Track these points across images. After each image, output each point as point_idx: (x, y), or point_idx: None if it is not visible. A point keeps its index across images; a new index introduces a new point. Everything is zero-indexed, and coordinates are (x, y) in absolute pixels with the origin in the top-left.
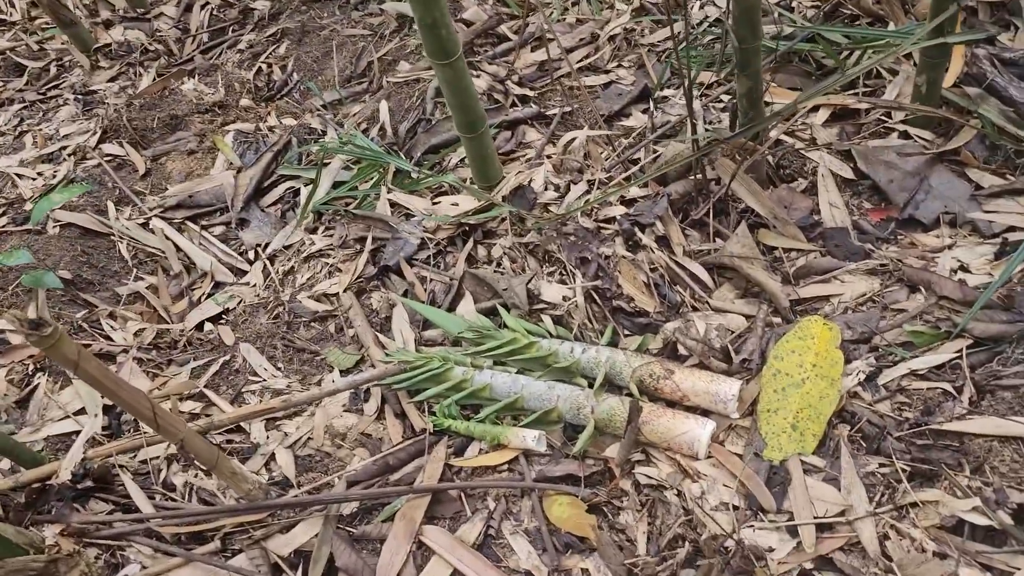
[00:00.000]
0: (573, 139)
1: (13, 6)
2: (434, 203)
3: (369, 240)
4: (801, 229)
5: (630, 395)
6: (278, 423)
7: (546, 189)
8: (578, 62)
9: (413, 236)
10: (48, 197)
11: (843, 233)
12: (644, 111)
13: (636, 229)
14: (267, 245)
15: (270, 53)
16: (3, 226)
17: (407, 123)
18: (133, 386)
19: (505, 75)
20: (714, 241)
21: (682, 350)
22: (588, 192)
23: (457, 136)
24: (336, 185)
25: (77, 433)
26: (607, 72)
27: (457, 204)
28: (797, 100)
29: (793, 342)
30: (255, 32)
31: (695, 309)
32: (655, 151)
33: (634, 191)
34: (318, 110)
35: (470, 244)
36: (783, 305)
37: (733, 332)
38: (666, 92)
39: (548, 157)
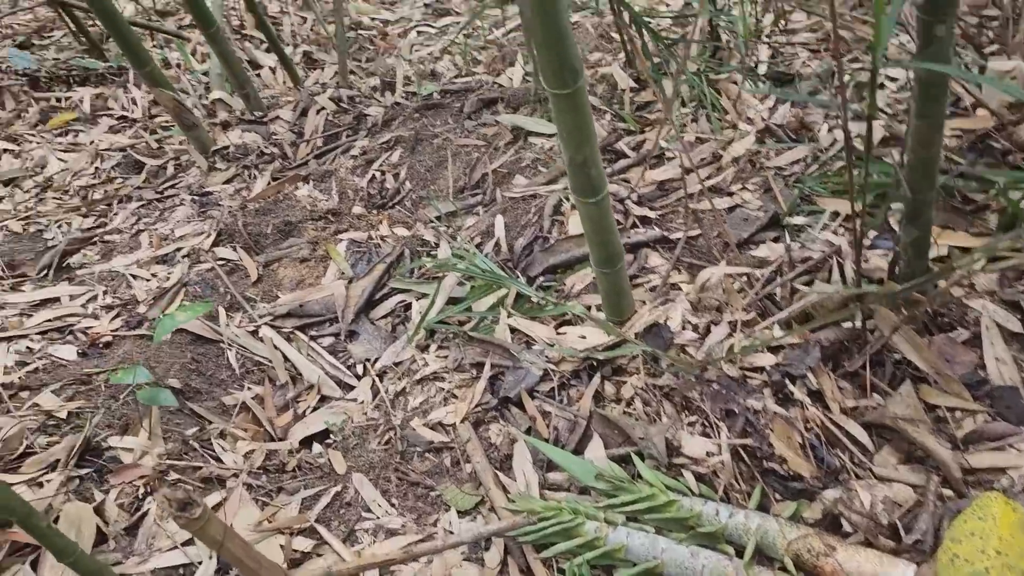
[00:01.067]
0: (709, 276)
1: (135, 104)
2: (558, 332)
3: (487, 367)
4: (966, 386)
5: (784, 569)
6: (393, 570)
7: (683, 328)
8: (700, 183)
9: (535, 366)
10: (172, 315)
11: (1014, 393)
12: (775, 239)
13: (787, 380)
14: (376, 360)
15: (383, 160)
16: (116, 329)
17: (523, 239)
18: (273, 563)
19: (625, 195)
20: (870, 396)
21: (845, 525)
22: (730, 335)
23: (578, 258)
24: (451, 302)
25: (186, 567)
26: (731, 195)
27: (585, 337)
28: (976, 253)
29: (972, 522)
30: (368, 138)
31: (856, 476)
32: (795, 289)
33: (778, 334)
34: (431, 221)
35: (597, 380)
36: (955, 476)
37: (900, 505)
38: (796, 220)
39: (679, 288)
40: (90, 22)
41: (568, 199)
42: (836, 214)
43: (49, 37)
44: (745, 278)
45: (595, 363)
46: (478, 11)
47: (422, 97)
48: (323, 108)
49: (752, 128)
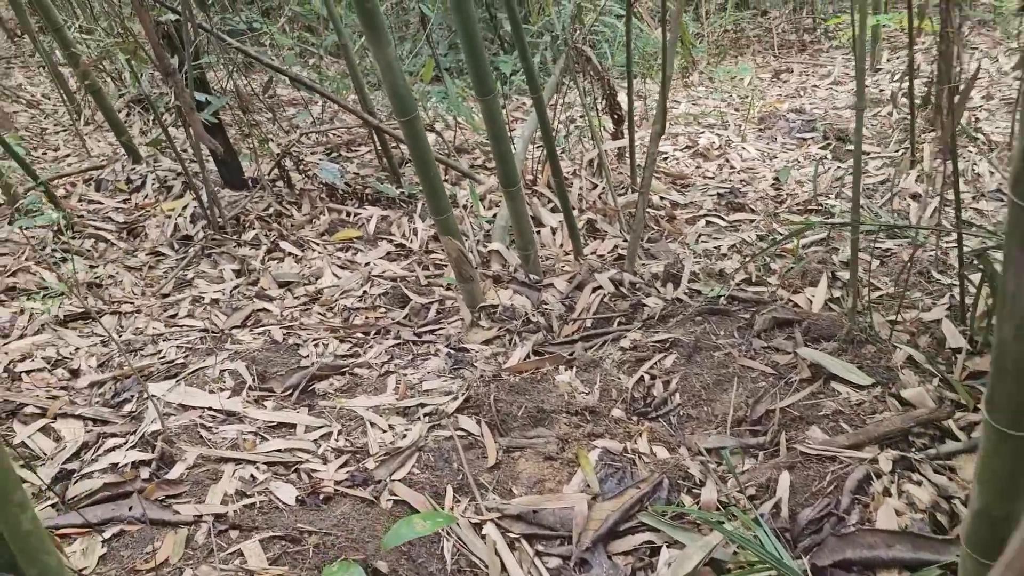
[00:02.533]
0: None
1: (415, 235)
2: None
3: None
4: None
5: None
6: None
7: None
8: None
9: None
10: (411, 523)
11: None
12: None
13: None
14: None
15: (655, 363)
16: (340, 481)
17: (811, 512)
18: None
19: (949, 493)
20: None
21: None
22: None
23: (886, 561)
24: (711, 563)
25: None
26: None
27: None
28: None
29: None
30: (642, 332)
31: None
32: None
33: None
34: (699, 453)
35: None
36: None
37: None
38: None
39: None
40: (395, 146)
41: (877, 476)
42: None
43: (355, 151)
44: None
45: None
46: (793, 231)
47: (707, 299)
48: (600, 287)
49: None
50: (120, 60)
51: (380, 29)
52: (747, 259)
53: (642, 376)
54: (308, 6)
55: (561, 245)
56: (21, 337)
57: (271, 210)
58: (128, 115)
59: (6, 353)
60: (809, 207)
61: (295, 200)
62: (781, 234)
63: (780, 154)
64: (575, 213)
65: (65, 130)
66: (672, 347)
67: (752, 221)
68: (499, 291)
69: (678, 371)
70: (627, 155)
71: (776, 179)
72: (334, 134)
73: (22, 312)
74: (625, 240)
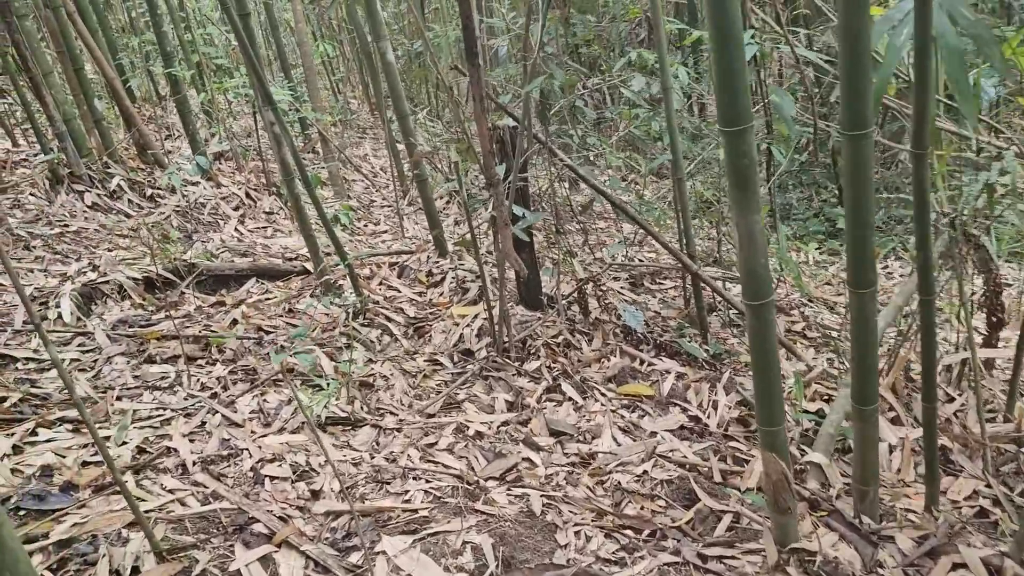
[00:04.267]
0: None
1: (714, 409)
2: None
3: None
4: None
5: None
6: None
7: None
8: None
9: None
10: None
11: None
12: None
13: None
14: None
15: None
16: None
17: None
18: None
19: None
20: None
21: None
22: None
23: None
24: None
25: None
26: None
27: None
28: None
29: None
30: None
31: None
32: None
33: None
34: None
35: None
36: None
37: None
38: None
39: None
40: (711, 297)
41: None
42: None
43: (660, 284)
44: None
45: None
46: None
47: None
48: (965, 568)
49: None
50: (451, 154)
51: (752, 192)
52: None
53: None
54: (646, 127)
55: (898, 471)
56: (280, 431)
57: (561, 338)
58: (448, 203)
59: (260, 447)
60: None
61: (587, 331)
62: None
63: None
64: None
65: (390, 206)
66: None
67: None
68: (820, 531)
69: None
70: (1005, 370)
71: None
72: (640, 259)
73: (290, 402)
74: (988, 486)
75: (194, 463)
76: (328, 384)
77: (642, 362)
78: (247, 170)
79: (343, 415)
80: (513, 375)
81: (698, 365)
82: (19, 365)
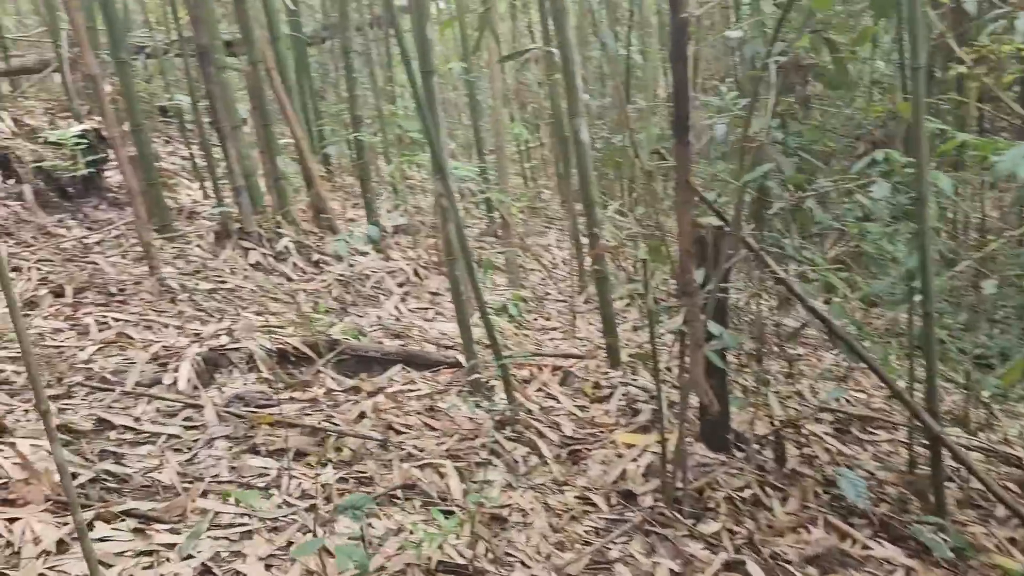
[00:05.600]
0: None
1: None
2: None
3: None
4: None
5: None
6: None
7: None
8: None
9: None
10: None
11: None
12: None
13: None
14: None
15: None
16: None
17: None
18: None
19: None
20: None
21: None
22: None
23: None
24: None
25: None
26: None
27: None
28: None
29: None
30: None
31: None
32: None
33: None
34: None
35: None
36: None
37: None
38: None
39: None
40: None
41: None
42: None
43: (873, 435)
44: None
45: None
46: None
47: None
48: None
49: None
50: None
51: None
52: None
53: None
54: (878, 243)
55: None
56: (378, 571)
57: (747, 493)
58: (627, 306)
59: None
60: None
61: (782, 486)
62: None
63: None
64: None
65: (564, 301)
66: None
67: None
68: None
69: None
70: None
71: None
72: (848, 399)
73: (398, 532)
74: None
75: None
76: (450, 515)
77: (854, 542)
78: (421, 247)
79: (461, 562)
80: (683, 536)
81: (932, 561)
82: (112, 434)
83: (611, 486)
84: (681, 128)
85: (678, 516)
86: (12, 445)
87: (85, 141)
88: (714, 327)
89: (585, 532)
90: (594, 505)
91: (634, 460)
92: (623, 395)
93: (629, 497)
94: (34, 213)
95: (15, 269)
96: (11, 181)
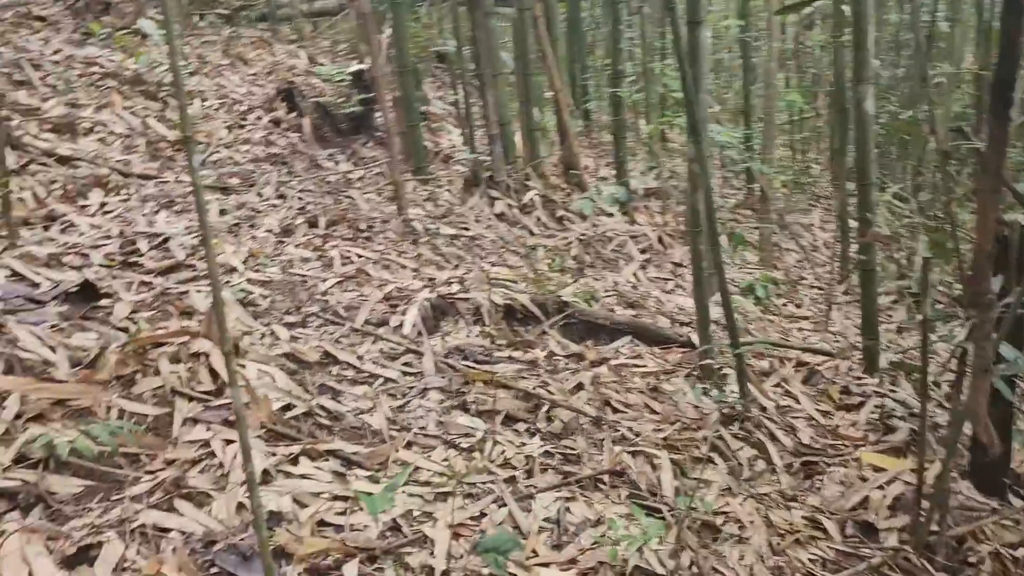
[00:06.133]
0: None
1: None
2: None
3: None
4: None
5: None
6: None
7: None
8: None
9: None
10: None
11: None
12: None
13: None
14: None
15: None
16: None
17: None
18: None
19: None
20: None
21: None
22: None
23: None
24: None
25: None
26: None
27: None
28: None
29: None
30: None
31: None
32: None
33: None
34: None
35: None
36: None
37: None
38: None
39: None
40: None
41: None
42: None
43: None
44: None
45: None
46: None
47: None
48: None
49: None
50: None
51: None
52: None
53: None
54: None
55: None
56: (569, 564)
57: (1021, 552)
58: (894, 303)
59: None
60: None
61: None
62: None
63: None
64: None
65: (820, 289)
66: None
67: None
68: None
69: None
70: None
71: None
72: None
73: (597, 523)
74: None
75: (443, 572)
76: (655, 515)
77: None
78: (670, 213)
79: (660, 572)
80: None
81: None
82: (334, 369)
83: (848, 512)
84: (1002, 99)
85: (927, 566)
86: (243, 367)
87: (362, 81)
88: (1008, 350)
89: (809, 561)
90: (824, 531)
91: (880, 487)
92: (876, 406)
93: (869, 530)
94: (310, 146)
95: (280, 196)
96: (294, 114)
